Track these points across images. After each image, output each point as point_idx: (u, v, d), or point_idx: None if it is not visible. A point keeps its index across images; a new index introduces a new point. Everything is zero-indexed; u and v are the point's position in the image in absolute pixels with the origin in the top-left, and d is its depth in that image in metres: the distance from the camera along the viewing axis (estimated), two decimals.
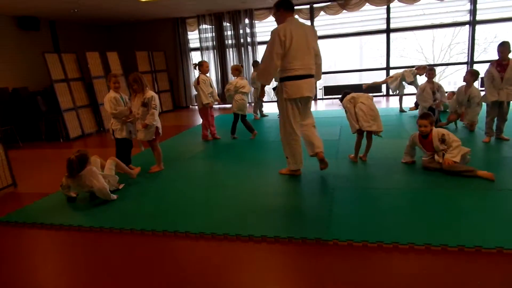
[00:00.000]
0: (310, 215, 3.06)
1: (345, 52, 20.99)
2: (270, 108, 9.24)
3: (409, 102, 7.99)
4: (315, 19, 10.06)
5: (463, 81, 5.47)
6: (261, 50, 11.68)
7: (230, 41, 10.60)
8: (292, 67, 3.59)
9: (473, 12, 9.14)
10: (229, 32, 10.54)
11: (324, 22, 10.36)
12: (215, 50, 10.74)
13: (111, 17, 9.82)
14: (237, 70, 6.17)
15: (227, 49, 10.66)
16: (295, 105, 3.73)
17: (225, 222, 3.01)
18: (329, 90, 10.34)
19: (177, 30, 10.84)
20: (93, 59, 8.29)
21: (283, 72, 3.65)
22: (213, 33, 10.59)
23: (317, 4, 9.83)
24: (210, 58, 10.71)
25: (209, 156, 5.37)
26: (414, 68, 7.24)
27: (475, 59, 9.60)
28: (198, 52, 10.92)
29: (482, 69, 13.47)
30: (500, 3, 9.13)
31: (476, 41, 9.59)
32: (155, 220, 3.15)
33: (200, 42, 10.76)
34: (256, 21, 10.30)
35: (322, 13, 9.89)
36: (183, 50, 10.99)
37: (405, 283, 2.11)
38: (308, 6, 9.91)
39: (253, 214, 3.13)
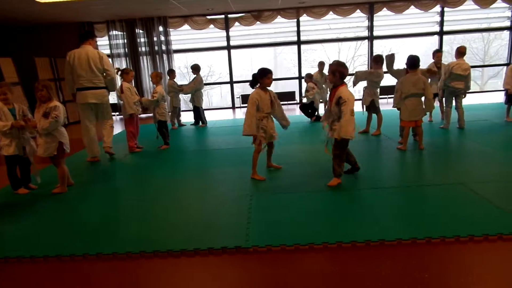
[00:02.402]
0: (229, 223, 3.05)
1: (261, 62, 21.73)
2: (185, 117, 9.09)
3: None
4: (231, 29, 10.23)
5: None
6: (177, 58, 11.49)
7: (144, 49, 10.23)
8: (78, 81, 5.08)
9: (370, 28, 10.18)
10: (142, 40, 10.16)
11: (239, 33, 10.61)
12: (127, 58, 10.25)
13: (5, 19, 8.75)
14: (159, 77, 5.98)
15: (140, 57, 10.26)
16: (86, 108, 5.19)
17: (141, 239, 2.85)
18: (247, 99, 10.56)
19: None
20: None
21: (75, 84, 5.12)
22: (125, 40, 10.11)
23: (232, 15, 10.02)
24: (123, 65, 10.19)
25: (126, 170, 5.06)
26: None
27: None
28: (109, 60, 10.30)
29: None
30: (393, 22, 10.34)
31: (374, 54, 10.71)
32: (63, 243, 2.84)
33: (111, 48, 10.18)
34: (171, 29, 10.10)
35: (237, 23, 10.10)
36: None
37: (323, 282, 2.22)
38: (223, 16, 10.04)
39: (171, 228, 3.02)
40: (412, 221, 2.92)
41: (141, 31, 10.09)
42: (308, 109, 7.72)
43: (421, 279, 2.17)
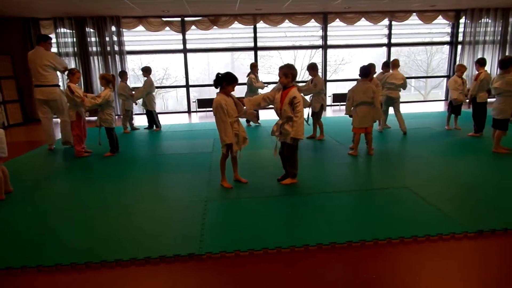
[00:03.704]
0: (182, 230, 2.98)
1: (218, 66, 21.68)
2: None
3: None
4: (187, 33, 10.11)
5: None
6: (130, 60, 11.14)
7: (94, 49, 9.79)
8: (36, 79, 5.82)
9: (324, 38, 10.54)
10: (93, 39, 9.73)
11: (196, 36, 10.51)
12: (76, 57, 9.75)
13: None
14: (105, 80, 5.51)
15: (91, 57, 9.81)
16: (38, 102, 5.96)
17: (88, 248, 2.70)
18: (203, 103, 10.46)
19: (28, 32, 9.45)
20: None
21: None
22: (74, 39, 9.62)
23: (189, 18, 9.91)
24: (71, 65, 9.67)
25: (72, 176, 4.78)
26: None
27: (328, 78, 11.06)
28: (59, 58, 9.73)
29: (333, 87, 15.38)
30: (345, 32, 10.77)
31: (328, 63, 11.10)
32: None
33: (58, 47, 9.63)
34: (124, 30, 9.77)
35: (193, 27, 10.00)
36: None
37: (276, 287, 2.23)
38: (179, 19, 9.90)
39: (120, 236, 2.89)
40: (362, 223, 3.03)
41: (92, 30, 9.66)
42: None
43: (370, 280, 2.25)
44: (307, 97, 6.02)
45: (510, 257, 2.52)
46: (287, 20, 10.06)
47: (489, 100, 6.07)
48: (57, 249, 2.71)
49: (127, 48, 9.99)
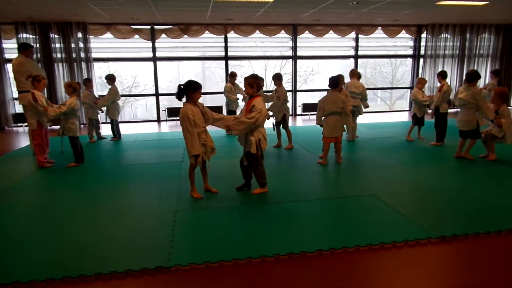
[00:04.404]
0: (150, 242, 2.90)
1: (189, 75, 21.55)
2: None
3: None
4: (157, 41, 9.99)
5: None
6: (98, 67, 10.84)
7: (59, 55, 9.45)
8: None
9: (294, 48, 10.73)
10: (58, 45, 9.39)
11: (166, 44, 10.40)
12: (40, 64, 9.36)
13: None
14: (71, 88, 5.30)
15: (55, 64, 9.45)
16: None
17: (49, 263, 2.56)
18: (173, 112, 10.31)
19: None
20: None
21: None
22: (37, 44, 9.24)
23: (158, 26, 9.80)
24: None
25: (33, 187, 4.54)
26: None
27: (298, 88, 11.26)
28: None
29: (303, 97, 15.61)
30: (314, 44, 11.02)
31: (298, 73, 11.30)
32: None
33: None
34: (91, 36, 9.51)
35: (163, 35, 9.90)
36: None
37: None
38: (149, 27, 9.77)
39: (85, 250, 2.77)
40: (331, 232, 3.07)
41: (56, 36, 9.33)
42: None
43: None
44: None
45: (471, 261, 2.63)
46: (258, 31, 10.17)
47: (449, 110, 6.38)
48: (17, 265, 2.56)
49: (94, 55, 9.72)
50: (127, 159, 5.94)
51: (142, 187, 4.37)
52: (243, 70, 20.45)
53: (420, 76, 11.16)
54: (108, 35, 9.63)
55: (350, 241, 2.82)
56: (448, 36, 11.12)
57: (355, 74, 6.82)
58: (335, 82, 5.12)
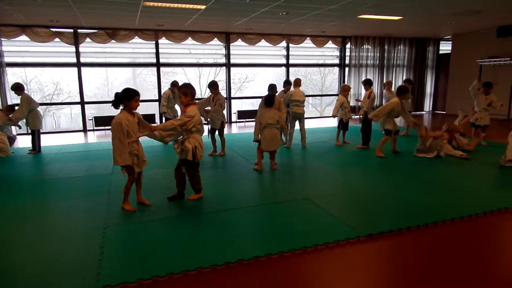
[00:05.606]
0: (76, 263, 2.67)
1: (118, 82, 20.54)
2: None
3: None
4: (81, 45, 9.36)
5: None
6: (12, 73, 9.82)
7: None
8: None
9: (228, 56, 10.80)
10: None
11: (92, 49, 9.80)
12: None
13: None
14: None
15: None
16: None
17: None
18: (101, 121, 9.71)
19: None
20: None
21: None
22: None
23: (82, 30, 9.21)
24: None
25: None
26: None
27: (233, 95, 11.33)
28: None
29: (237, 105, 15.73)
30: (247, 52, 11.20)
31: (232, 80, 11.37)
32: None
33: None
34: (3, 38, 8.62)
35: (88, 40, 9.32)
36: None
37: None
38: (71, 31, 9.13)
39: None
40: (267, 237, 3.11)
41: None
42: None
43: None
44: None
45: (396, 255, 2.83)
46: (190, 38, 10.06)
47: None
48: None
49: (7, 59, 8.81)
50: (50, 173, 5.45)
51: (67, 203, 4.03)
52: (176, 77, 20.05)
53: (346, 83, 11.90)
54: (24, 37, 8.80)
55: (286, 246, 2.88)
56: (369, 47, 12.05)
57: (299, 83, 6.88)
58: (271, 102, 5.24)
